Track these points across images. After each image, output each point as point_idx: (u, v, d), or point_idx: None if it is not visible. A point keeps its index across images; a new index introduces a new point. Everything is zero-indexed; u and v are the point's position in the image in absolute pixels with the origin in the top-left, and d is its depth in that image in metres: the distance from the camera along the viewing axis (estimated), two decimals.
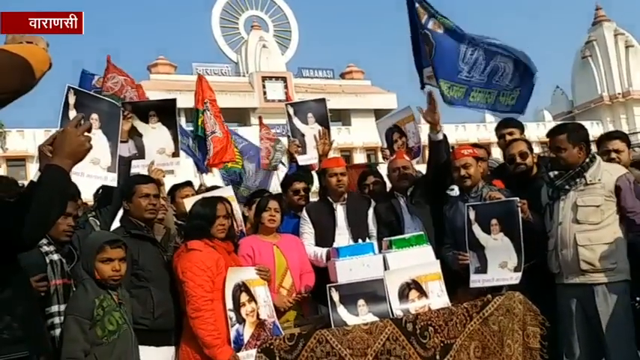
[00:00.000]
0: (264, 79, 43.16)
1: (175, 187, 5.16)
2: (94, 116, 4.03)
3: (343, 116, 43.88)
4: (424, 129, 4.82)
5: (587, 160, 3.84)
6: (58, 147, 2.13)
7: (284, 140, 7.90)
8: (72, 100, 3.97)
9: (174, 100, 5.17)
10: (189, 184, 5.48)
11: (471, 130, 42.42)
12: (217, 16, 46.07)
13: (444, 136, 4.63)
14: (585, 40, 50.32)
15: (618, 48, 48.60)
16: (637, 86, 47.99)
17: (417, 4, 4.88)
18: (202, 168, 7.15)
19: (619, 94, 48.42)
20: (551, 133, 4.01)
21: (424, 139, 5.01)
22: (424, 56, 4.93)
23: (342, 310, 3.45)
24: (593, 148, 4.17)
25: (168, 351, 3.60)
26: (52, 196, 2.05)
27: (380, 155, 5.79)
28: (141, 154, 4.85)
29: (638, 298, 3.71)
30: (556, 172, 3.94)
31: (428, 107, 4.59)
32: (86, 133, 2.17)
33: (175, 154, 4.99)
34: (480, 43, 5.01)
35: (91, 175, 3.99)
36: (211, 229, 3.67)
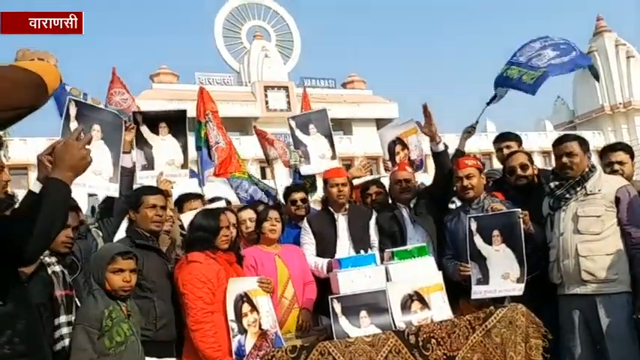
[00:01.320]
0: (266, 88, 43.27)
1: (184, 198, 5.16)
2: (96, 127, 4.02)
3: (344, 125, 43.94)
4: (427, 139, 4.84)
5: (587, 169, 3.86)
6: (59, 159, 2.12)
7: None
8: (73, 111, 3.96)
9: (184, 112, 5.18)
10: (199, 196, 5.44)
11: (472, 139, 42.28)
12: (220, 25, 46.27)
13: (446, 145, 4.65)
14: (586, 51, 50.38)
15: (619, 58, 48.71)
16: (638, 96, 48.03)
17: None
18: (201, 180, 7.12)
19: (620, 104, 48.47)
20: (563, 140, 4.03)
21: (427, 150, 5.06)
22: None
23: (344, 322, 3.45)
24: (594, 158, 4.20)
25: None
26: (55, 212, 2.05)
27: (382, 165, 5.81)
28: (150, 165, 4.86)
29: None
30: (556, 183, 3.94)
31: (425, 119, 4.65)
32: (87, 146, 2.17)
33: (184, 166, 5.01)
34: (549, 44, 5.35)
35: (93, 186, 3.98)
36: (216, 241, 3.66)
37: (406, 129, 5.55)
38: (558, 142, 4.05)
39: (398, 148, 5.53)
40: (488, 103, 5.56)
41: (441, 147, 4.59)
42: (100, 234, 4.10)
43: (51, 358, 2.30)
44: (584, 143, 3.99)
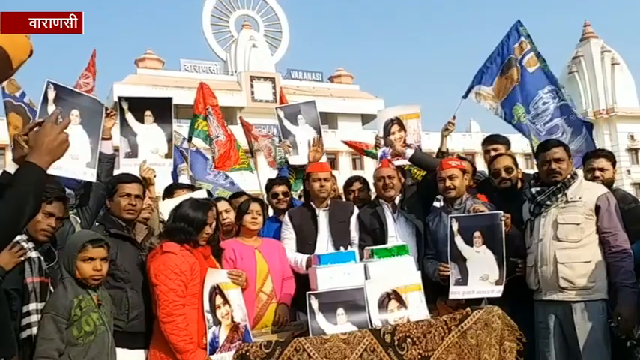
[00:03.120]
0: (252, 78, 43.06)
1: (175, 188, 5.10)
2: (75, 112, 3.97)
3: (330, 119, 43.91)
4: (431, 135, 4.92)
5: (569, 176, 3.87)
6: (36, 143, 2.05)
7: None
8: (51, 95, 3.89)
9: (170, 99, 5.14)
10: (190, 187, 5.38)
11: (456, 139, 42.65)
12: (208, 13, 45.91)
13: (415, 149, 4.92)
14: (572, 56, 50.96)
15: (604, 65, 49.30)
16: (621, 103, 48.70)
17: (522, 38, 5.53)
18: (174, 172, 7.06)
19: (603, 110, 49.10)
20: (549, 146, 4.01)
21: (425, 145, 5.19)
22: (488, 78, 5.61)
23: (320, 319, 3.42)
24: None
25: (141, 354, 3.53)
26: (26, 199, 1.97)
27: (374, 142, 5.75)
28: (133, 153, 4.83)
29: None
30: (538, 189, 3.95)
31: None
32: (65, 130, 2.10)
33: (168, 156, 4.98)
34: (557, 95, 5.51)
35: (70, 171, 3.92)
36: (198, 236, 3.57)
37: (408, 111, 5.37)
38: (544, 148, 4.03)
39: (394, 128, 5.35)
40: (463, 97, 5.74)
41: (409, 154, 4.77)
42: (79, 220, 4.04)
43: (16, 345, 2.22)
44: (567, 149, 4.01)
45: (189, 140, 7.45)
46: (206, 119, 7.40)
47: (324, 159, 5.60)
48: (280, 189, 5.12)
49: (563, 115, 5.53)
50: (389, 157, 5.02)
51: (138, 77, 39.68)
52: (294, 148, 5.66)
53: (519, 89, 5.52)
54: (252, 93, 42.56)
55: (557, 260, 3.75)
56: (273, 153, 8.28)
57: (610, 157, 4.48)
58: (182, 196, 4.29)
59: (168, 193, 4.99)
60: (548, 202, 3.89)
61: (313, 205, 4.57)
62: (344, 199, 5.42)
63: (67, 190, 4.10)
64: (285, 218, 4.60)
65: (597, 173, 4.32)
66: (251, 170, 8.25)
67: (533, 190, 3.98)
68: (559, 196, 3.86)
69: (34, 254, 3.23)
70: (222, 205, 4.62)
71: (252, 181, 8.12)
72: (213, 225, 3.69)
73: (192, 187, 5.40)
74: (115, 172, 4.31)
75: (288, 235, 4.51)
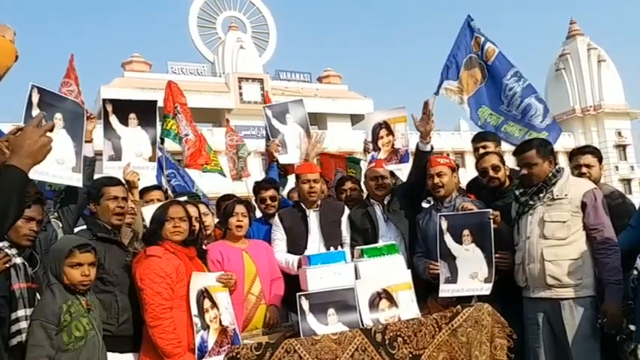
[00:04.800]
0: (240, 80, 42.92)
1: (144, 191, 5.08)
2: (58, 116, 3.97)
3: (319, 120, 43.87)
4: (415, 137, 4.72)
5: (551, 174, 3.87)
6: (17, 146, 2.03)
7: (254, 143, 7.99)
8: (35, 98, 3.88)
9: (155, 102, 5.13)
10: (158, 187, 5.37)
11: (445, 138, 42.79)
12: (195, 15, 45.72)
13: (432, 147, 4.56)
14: (559, 53, 51.31)
15: (591, 62, 49.67)
16: (608, 100, 49.10)
17: (476, 34, 5.63)
18: (159, 179, 7.01)
19: (590, 107, 49.49)
20: (520, 151, 4.02)
21: (412, 147, 5.02)
22: (453, 72, 5.65)
23: (311, 319, 3.41)
24: (564, 159, 4.24)
25: (131, 358, 3.51)
26: (8, 201, 1.95)
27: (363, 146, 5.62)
28: (117, 156, 4.82)
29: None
30: (520, 190, 3.96)
31: (422, 116, 4.55)
32: (48, 134, 2.08)
33: (152, 159, 4.97)
34: (520, 77, 5.62)
35: (56, 176, 3.90)
36: (162, 232, 3.55)
37: (396, 115, 5.31)
38: (517, 152, 4.06)
39: (383, 132, 5.30)
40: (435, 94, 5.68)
41: (428, 147, 4.50)
42: (60, 225, 4.00)
43: (5, 353, 2.20)
44: (543, 149, 3.92)
45: (162, 142, 7.41)
46: (174, 118, 7.37)
47: (314, 160, 5.59)
48: (268, 194, 5.01)
49: (533, 94, 5.64)
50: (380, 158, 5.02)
51: (125, 80, 39.47)
52: (284, 147, 5.65)
53: (485, 90, 5.58)
54: (241, 94, 42.44)
55: (544, 258, 3.76)
56: (236, 165, 8.31)
57: (596, 153, 4.50)
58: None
59: (140, 196, 4.98)
60: (530, 202, 3.90)
61: (303, 206, 4.56)
62: (336, 199, 5.41)
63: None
64: (276, 219, 4.58)
65: (584, 169, 4.33)
66: (223, 174, 8.23)
67: (516, 192, 4.01)
68: (541, 195, 3.86)
69: (18, 260, 3.20)
70: (201, 208, 4.57)
71: (240, 183, 8.11)
72: (195, 223, 3.71)
73: (159, 187, 5.43)
74: (98, 176, 4.29)
75: (279, 236, 4.48)
